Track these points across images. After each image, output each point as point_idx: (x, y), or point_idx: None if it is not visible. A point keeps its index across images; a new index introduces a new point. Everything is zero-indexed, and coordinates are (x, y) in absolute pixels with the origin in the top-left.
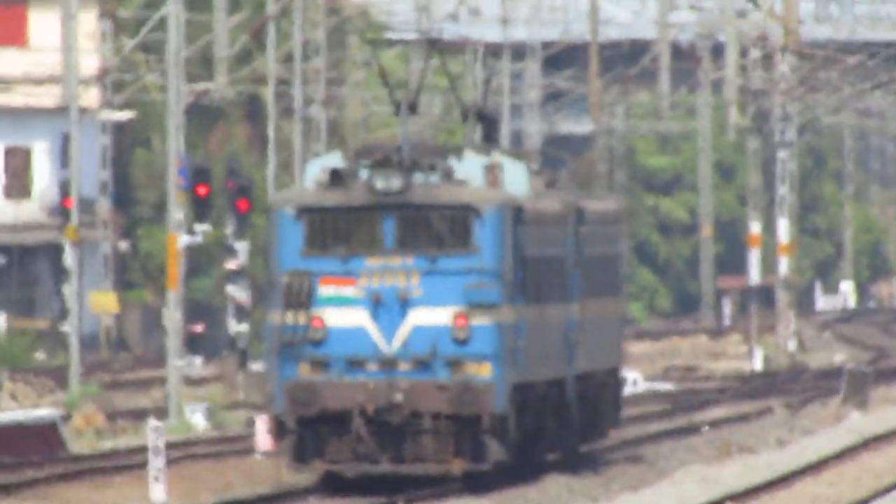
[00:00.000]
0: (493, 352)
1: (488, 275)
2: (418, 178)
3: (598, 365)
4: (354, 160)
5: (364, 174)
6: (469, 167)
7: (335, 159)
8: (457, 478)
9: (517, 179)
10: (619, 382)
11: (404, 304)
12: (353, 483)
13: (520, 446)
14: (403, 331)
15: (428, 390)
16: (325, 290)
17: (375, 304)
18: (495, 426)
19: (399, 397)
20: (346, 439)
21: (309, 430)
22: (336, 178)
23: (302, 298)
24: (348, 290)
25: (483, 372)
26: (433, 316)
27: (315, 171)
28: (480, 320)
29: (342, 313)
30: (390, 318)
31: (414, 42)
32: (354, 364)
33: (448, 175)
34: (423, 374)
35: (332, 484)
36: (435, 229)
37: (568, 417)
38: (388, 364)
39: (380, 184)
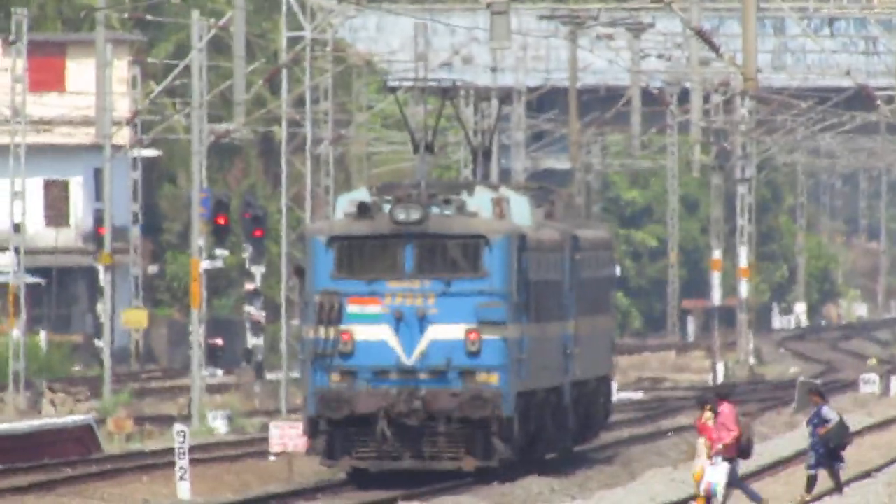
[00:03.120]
0: (500, 363)
1: (497, 296)
2: (435, 210)
3: (590, 374)
4: (379, 195)
5: (387, 207)
6: (479, 201)
7: (361, 194)
8: (468, 473)
9: (521, 211)
10: (609, 389)
11: (422, 321)
12: (376, 477)
13: (523, 446)
14: (422, 344)
15: (443, 397)
16: (352, 308)
17: (397, 321)
18: (502, 428)
19: (418, 403)
20: (371, 439)
21: (338, 432)
22: (362, 210)
23: (332, 316)
24: (373, 309)
25: (492, 381)
26: (448, 331)
27: (344, 204)
28: (490, 335)
29: (368, 329)
30: (410, 334)
31: (420, 89)
32: (379, 374)
33: (461, 208)
34: (439, 382)
35: (357, 478)
36: (449, 255)
37: (565, 420)
38: (409, 374)
39: (401, 215)
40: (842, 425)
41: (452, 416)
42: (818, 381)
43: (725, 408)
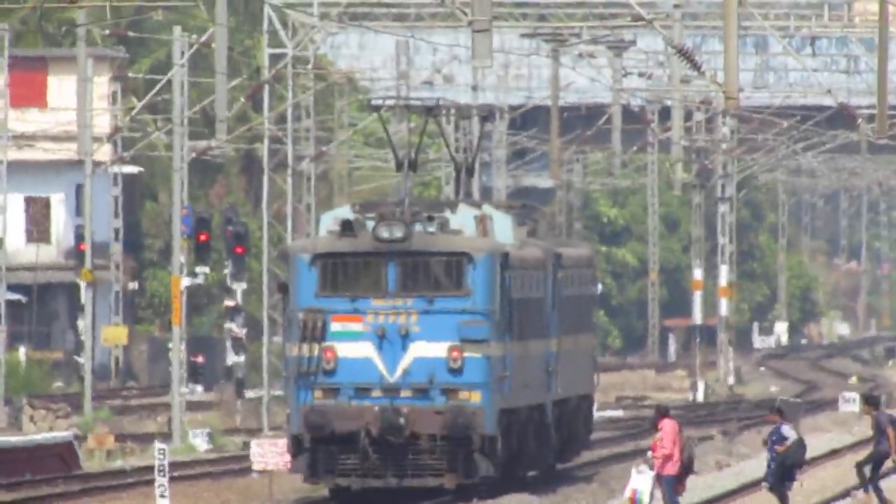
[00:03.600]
0: (482, 381)
1: (479, 314)
2: (418, 228)
3: (572, 392)
4: (362, 212)
5: (370, 225)
6: (462, 219)
7: (345, 211)
8: (450, 490)
9: (504, 229)
10: (591, 407)
11: (405, 338)
12: (358, 494)
13: (505, 464)
14: (404, 362)
15: (426, 414)
16: (335, 326)
17: (380, 339)
18: (485, 446)
19: (401, 420)
20: (354, 457)
21: (322, 449)
22: (346, 228)
23: (316, 333)
24: (356, 327)
25: (474, 398)
26: (431, 349)
27: (327, 221)
28: (472, 353)
29: (351, 346)
30: (393, 351)
31: (403, 106)
32: (361, 391)
33: (444, 226)
34: (421, 399)
35: (340, 496)
36: (432, 273)
37: (547, 438)
38: (391, 391)
39: (384, 233)
40: (800, 444)
41: (435, 434)
42: (799, 400)
43: (666, 425)
